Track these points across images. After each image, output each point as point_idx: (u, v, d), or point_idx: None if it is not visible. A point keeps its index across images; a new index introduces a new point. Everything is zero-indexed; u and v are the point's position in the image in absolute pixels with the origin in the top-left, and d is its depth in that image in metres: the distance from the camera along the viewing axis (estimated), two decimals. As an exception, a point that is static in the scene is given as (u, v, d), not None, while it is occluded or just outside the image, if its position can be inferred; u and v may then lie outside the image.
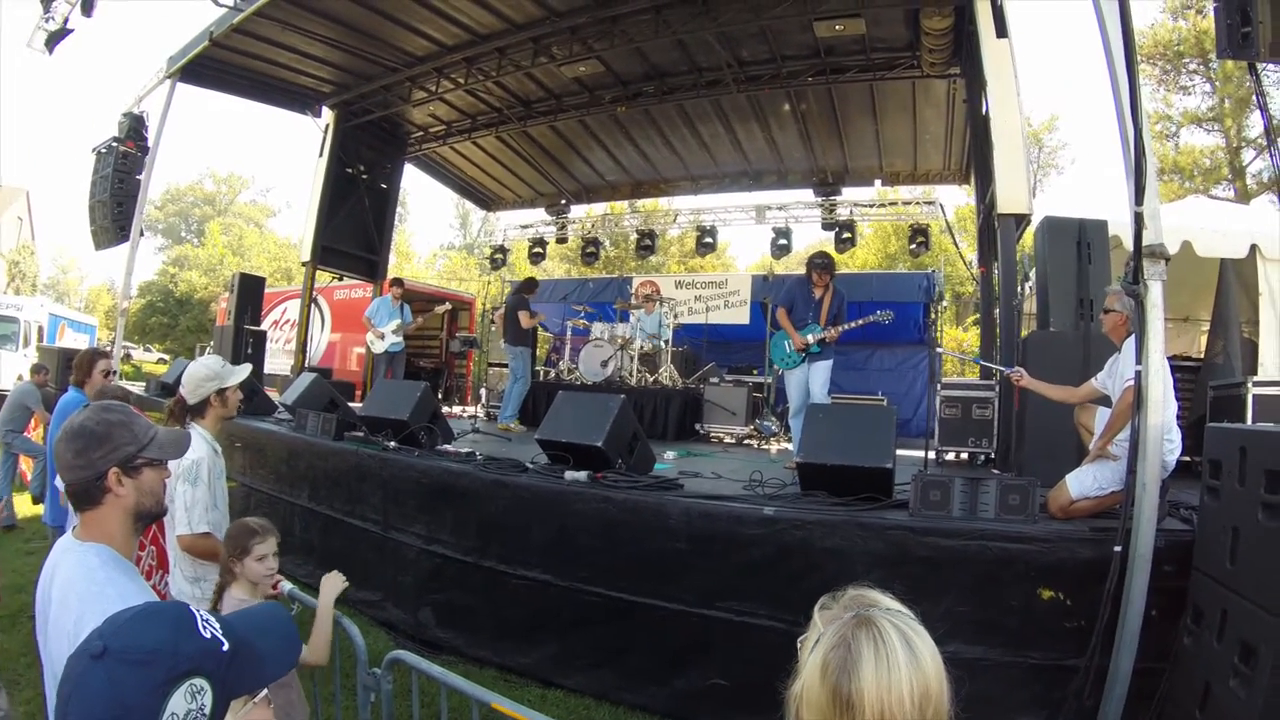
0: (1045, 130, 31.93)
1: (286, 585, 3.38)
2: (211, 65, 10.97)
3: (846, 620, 1.20)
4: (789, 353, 7.51)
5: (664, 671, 4.76)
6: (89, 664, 1.11)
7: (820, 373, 7.37)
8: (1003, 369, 5.71)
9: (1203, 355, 8.63)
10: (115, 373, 6.56)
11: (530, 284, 11.02)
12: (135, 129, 10.15)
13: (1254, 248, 7.92)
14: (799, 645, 1.29)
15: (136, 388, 13.49)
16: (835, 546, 4.36)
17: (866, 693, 1.12)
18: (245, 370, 3.60)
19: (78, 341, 23.50)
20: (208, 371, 3.44)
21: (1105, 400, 4.66)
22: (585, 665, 5.02)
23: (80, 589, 1.71)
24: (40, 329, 22.14)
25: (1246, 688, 2.97)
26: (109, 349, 10.11)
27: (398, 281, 11.72)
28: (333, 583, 3.15)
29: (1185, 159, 26.62)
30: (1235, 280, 8.04)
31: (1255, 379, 6.65)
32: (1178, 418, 4.28)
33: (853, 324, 7.42)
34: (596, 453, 5.46)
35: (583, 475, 5.32)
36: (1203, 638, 3.41)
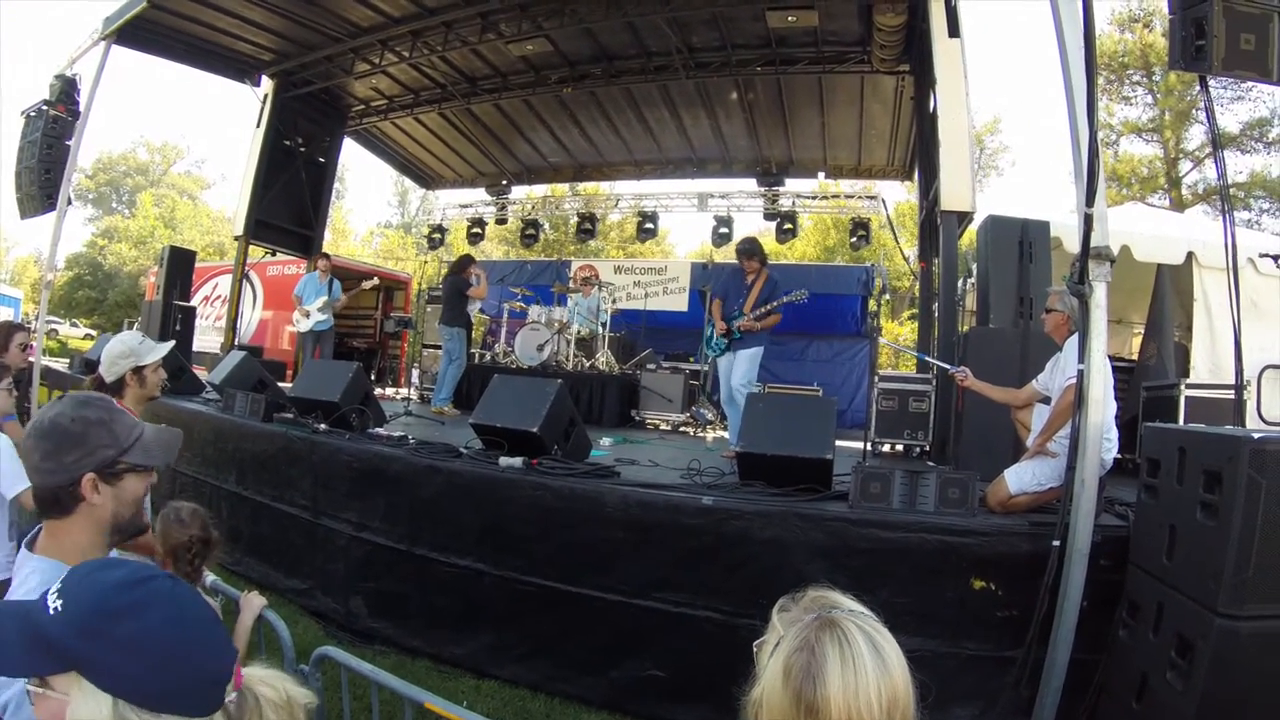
0: (988, 132, 32.42)
1: (210, 577, 3.22)
2: (149, 27, 10.44)
3: (808, 623, 1.14)
4: (716, 339, 7.51)
5: (600, 662, 4.68)
6: (149, 585, 1.11)
7: (742, 361, 7.32)
8: (948, 367, 5.72)
9: (1136, 357, 8.84)
10: (33, 347, 6.24)
11: (465, 261, 10.66)
12: (67, 92, 9.62)
13: (1191, 255, 8.11)
14: (756, 649, 1.23)
15: (60, 364, 12.94)
16: (774, 537, 4.32)
17: (833, 699, 1.05)
18: (165, 349, 3.39)
19: (1, 315, 22.59)
20: (124, 348, 3.24)
21: (1046, 401, 4.70)
22: (520, 656, 4.91)
23: None
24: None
25: (1183, 680, 3.01)
26: (31, 323, 9.64)
27: (323, 255, 11.31)
28: (252, 605, 2.99)
29: (1124, 167, 27.31)
30: (1171, 286, 8.22)
31: (1188, 381, 6.85)
32: (1115, 417, 4.33)
33: (767, 307, 7.32)
34: (532, 438, 5.33)
35: (518, 461, 5.19)
36: (1139, 631, 3.46)
